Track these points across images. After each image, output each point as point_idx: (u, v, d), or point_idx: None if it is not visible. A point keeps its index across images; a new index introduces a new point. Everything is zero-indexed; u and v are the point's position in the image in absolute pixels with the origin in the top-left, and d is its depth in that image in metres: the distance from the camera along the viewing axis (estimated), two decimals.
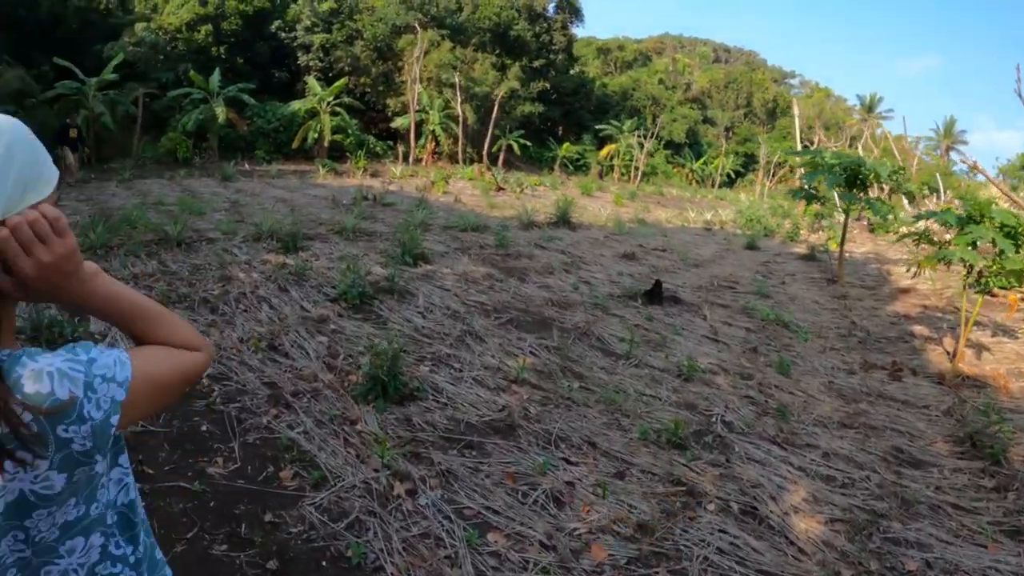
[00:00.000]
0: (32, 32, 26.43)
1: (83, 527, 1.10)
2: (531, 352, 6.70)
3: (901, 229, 16.96)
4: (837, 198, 16.68)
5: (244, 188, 18.00)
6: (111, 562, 1.18)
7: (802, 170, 16.27)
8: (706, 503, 4.31)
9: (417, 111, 31.75)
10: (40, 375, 0.99)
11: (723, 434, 5.37)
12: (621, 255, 12.82)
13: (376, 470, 4.20)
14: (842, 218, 14.85)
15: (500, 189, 22.09)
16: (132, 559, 1.22)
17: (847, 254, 14.59)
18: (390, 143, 34.09)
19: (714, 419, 5.66)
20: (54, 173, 1.14)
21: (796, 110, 38.77)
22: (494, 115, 29.80)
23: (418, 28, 30.29)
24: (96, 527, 1.13)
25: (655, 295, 9.51)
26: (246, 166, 24.17)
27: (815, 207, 16.20)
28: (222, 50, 31.68)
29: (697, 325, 8.81)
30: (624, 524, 3.98)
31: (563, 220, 15.73)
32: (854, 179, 13.02)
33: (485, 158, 28.90)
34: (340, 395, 5.23)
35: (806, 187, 13.94)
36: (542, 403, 5.53)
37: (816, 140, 50.54)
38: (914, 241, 9.03)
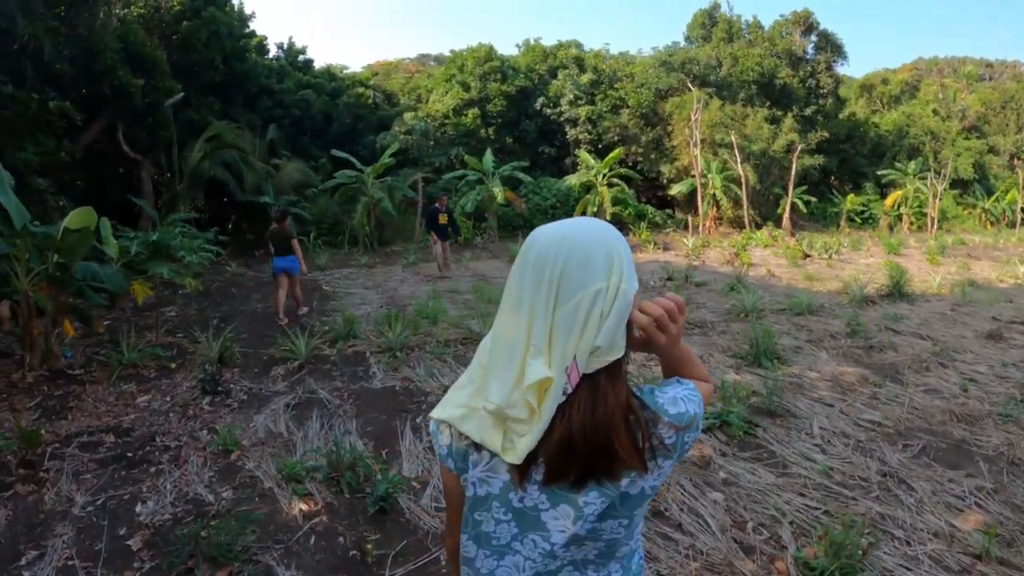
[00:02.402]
0: (307, 129, 28.83)
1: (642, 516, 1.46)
2: (975, 503, 4.87)
3: None
4: None
5: None
6: (633, 551, 1.50)
7: None
8: None
9: (694, 176, 30.35)
10: (676, 401, 1.36)
11: None
12: (984, 335, 10.26)
13: None
14: None
15: (806, 256, 19.87)
16: (641, 551, 1.55)
17: None
18: (668, 212, 32.82)
19: None
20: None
21: None
22: (793, 171, 26.90)
23: (691, 87, 29.01)
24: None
25: None
26: None
27: None
28: (490, 131, 32.34)
29: None
30: None
31: (898, 292, 13.28)
32: None
33: (786, 220, 26.68)
34: None
35: None
36: None
37: None
38: None
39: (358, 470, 4.82)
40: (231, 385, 7.21)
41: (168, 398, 6.82)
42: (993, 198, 41.20)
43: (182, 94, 19.60)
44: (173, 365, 7.95)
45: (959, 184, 40.98)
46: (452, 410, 1.37)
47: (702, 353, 8.71)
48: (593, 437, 1.24)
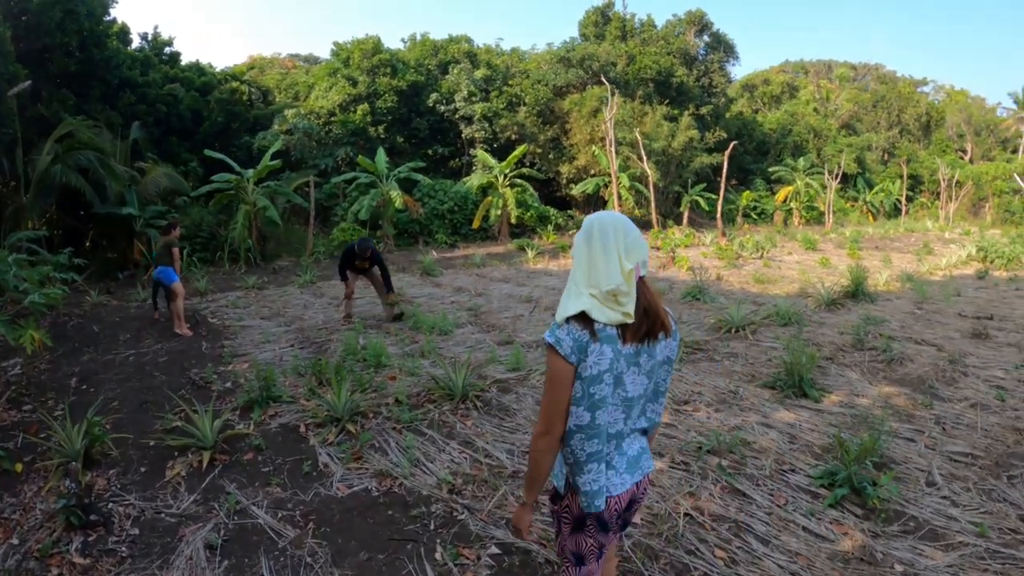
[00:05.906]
0: (175, 128, 25.21)
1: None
2: None
3: None
4: None
5: (461, 285, 15.28)
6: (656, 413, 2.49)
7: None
8: None
9: (595, 175, 28.96)
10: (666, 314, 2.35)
11: None
12: (968, 335, 10.00)
13: None
14: None
15: (738, 256, 18.93)
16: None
17: None
18: (569, 213, 30.99)
19: None
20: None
21: None
22: (724, 170, 25.94)
23: (604, 81, 27.40)
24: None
25: None
26: (434, 254, 21.60)
27: None
28: (380, 130, 29.83)
29: None
30: None
31: (862, 292, 12.89)
32: None
33: (720, 221, 25.58)
34: None
35: None
36: None
37: (969, 149, 51.30)
38: None
39: None
40: (110, 504, 4.81)
41: (16, 539, 4.37)
42: (874, 191, 43.61)
43: (29, 83, 16.38)
44: (18, 467, 5.42)
45: (841, 179, 42.52)
46: (584, 304, 2.18)
47: (722, 383, 7.52)
48: (655, 307, 2.25)
